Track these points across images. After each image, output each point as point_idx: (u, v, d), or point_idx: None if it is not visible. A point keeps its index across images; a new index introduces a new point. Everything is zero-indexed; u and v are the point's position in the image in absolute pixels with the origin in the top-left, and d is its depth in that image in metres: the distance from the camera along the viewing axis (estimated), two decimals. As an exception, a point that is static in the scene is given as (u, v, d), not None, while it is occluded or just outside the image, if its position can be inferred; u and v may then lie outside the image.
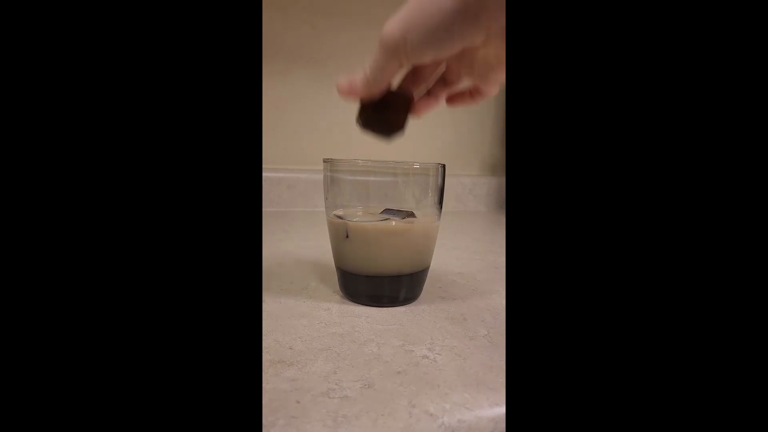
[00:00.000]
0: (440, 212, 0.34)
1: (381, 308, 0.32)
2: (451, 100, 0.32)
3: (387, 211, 0.32)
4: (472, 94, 0.31)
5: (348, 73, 0.26)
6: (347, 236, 0.31)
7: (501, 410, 0.20)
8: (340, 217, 0.32)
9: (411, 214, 0.32)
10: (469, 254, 0.53)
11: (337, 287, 0.36)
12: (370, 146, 0.88)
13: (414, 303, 0.34)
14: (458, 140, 0.98)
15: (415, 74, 0.30)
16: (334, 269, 0.35)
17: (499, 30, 0.21)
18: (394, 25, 0.22)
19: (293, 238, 0.57)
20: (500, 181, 1.01)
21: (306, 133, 0.86)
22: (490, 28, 0.21)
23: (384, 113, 0.28)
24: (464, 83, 0.30)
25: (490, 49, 0.25)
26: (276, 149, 0.84)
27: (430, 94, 0.31)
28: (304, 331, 0.28)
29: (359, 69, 0.26)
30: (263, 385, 0.21)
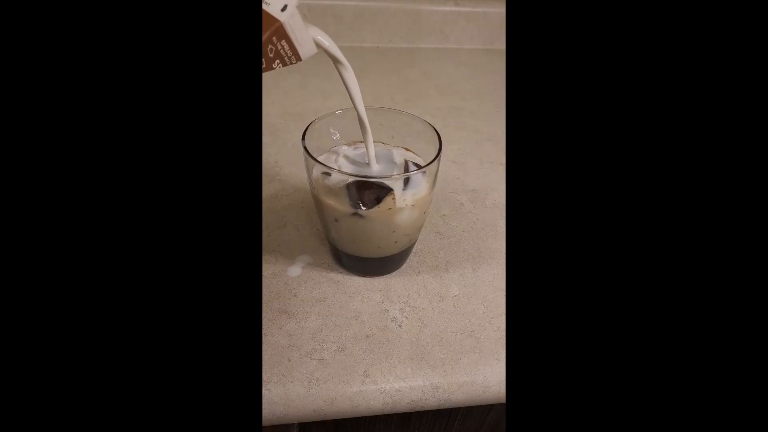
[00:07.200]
0: (432, 192, 0.32)
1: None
2: None
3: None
4: None
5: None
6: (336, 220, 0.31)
7: (427, 382, 0.28)
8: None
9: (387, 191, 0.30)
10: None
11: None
12: None
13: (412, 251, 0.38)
14: None
15: None
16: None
17: None
18: None
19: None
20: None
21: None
22: None
23: None
24: None
25: None
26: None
27: None
28: (307, 275, 0.35)
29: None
30: (265, 337, 0.29)
